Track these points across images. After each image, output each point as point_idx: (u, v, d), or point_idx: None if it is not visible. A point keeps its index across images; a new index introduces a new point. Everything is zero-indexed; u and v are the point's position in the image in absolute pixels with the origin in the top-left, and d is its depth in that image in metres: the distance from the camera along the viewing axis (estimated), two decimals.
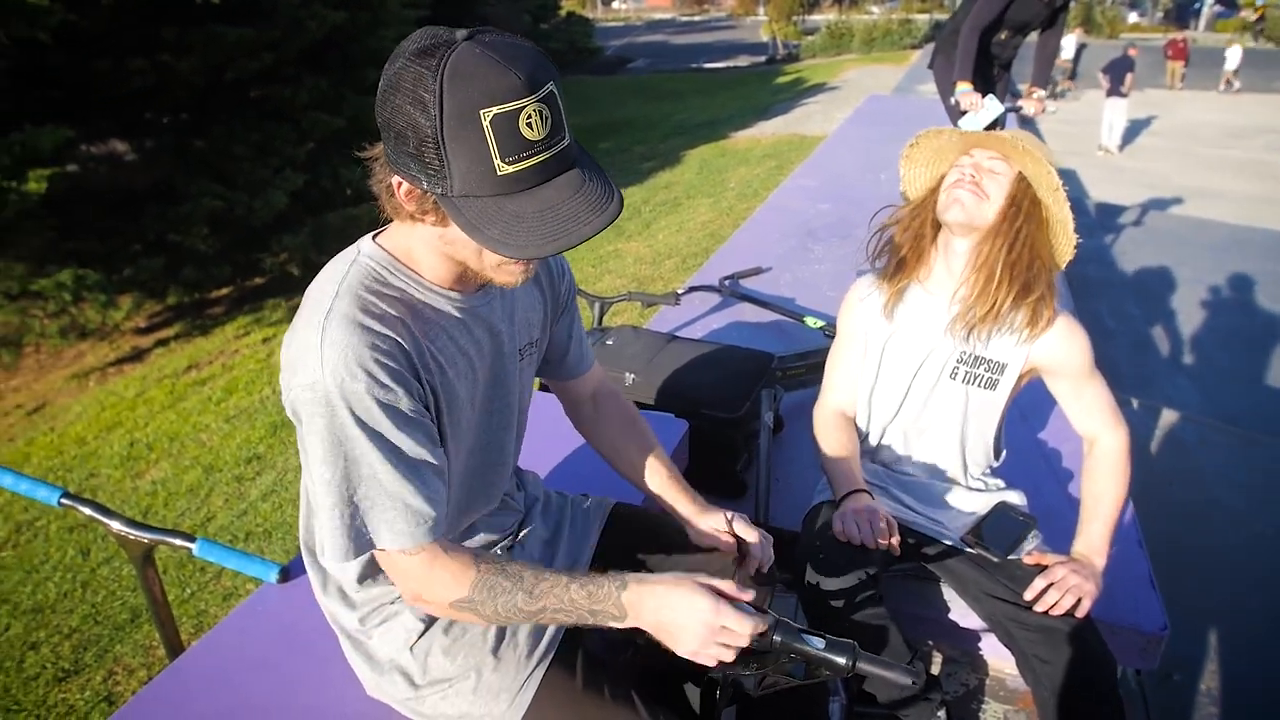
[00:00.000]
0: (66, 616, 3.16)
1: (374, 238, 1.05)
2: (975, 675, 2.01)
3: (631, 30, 39.64)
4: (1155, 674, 2.17)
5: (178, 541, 1.50)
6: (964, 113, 3.84)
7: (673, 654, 1.04)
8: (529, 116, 0.84)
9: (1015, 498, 1.72)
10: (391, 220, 1.00)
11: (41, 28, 5.58)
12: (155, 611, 1.64)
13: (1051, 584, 1.46)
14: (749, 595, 1.01)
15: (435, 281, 1.03)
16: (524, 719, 1.13)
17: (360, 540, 0.97)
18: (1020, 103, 4.10)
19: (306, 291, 1.00)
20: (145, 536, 1.50)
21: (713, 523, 1.33)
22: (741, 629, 0.98)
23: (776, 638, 1.04)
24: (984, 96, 3.78)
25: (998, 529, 1.58)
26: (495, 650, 1.16)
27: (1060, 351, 1.56)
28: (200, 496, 4.06)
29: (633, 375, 2.24)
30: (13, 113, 6.12)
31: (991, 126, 3.99)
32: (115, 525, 1.50)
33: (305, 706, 1.29)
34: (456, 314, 1.05)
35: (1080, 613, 1.44)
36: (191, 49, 6.53)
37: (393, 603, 1.20)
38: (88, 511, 1.50)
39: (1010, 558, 1.54)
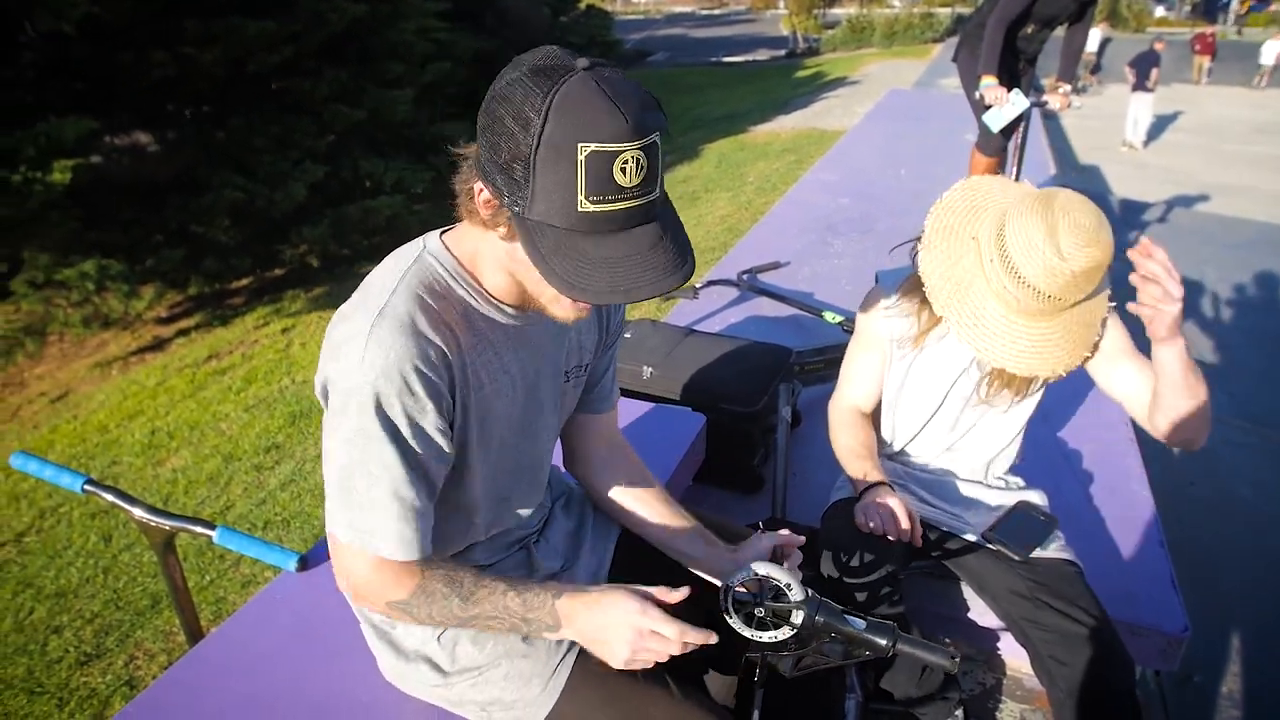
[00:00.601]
0: (89, 601, 3.21)
1: (441, 235, 1.03)
2: (992, 674, 2.00)
3: (651, 24, 39.54)
4: (1175, 676, 2.15)
5: (198, 529, 1.51)
6: (988, 107, 3.80)
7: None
8: (625, 161, 0.82)
9: (1036, 497, 1.70)
10: (462, 220, 0.99)
11: (66, 20, 5.64)
12: (176, 598, 1.65)
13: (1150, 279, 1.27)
14: (679, 595, 1.01)
15: (495, 294, 1.02)
16: (557, 703, 1.14)
17: (357, 530, 0.98)
18: (1045, 97, 4.04)
19: (367, 278, 1.00)
20: (166, 524, 1.51)
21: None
22: (669, 633, 0.99)
23: (819, 618, 1.05)
24: (1009, 91, 3.73)
25: (1018, 528, 1.56)
26: (526, 637, 1.16)
27: (1112, 339, 1.48)
28: (220, 485, 4.10)
29: (650, 369, 2.24)
30: (37, 104, 6.19)
31: (1017, 121, 3.95)
32: (137, 512, 1.51)
33: (323, 692, 1.30)
34: (509, 331, 1.04)
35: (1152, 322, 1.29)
36: (213, 41, 6.58)
37: None
38: (110, 498, 1.51)
39: (1030, 557, 1.52)
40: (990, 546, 1.56)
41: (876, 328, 1.66)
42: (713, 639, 1.00)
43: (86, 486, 1.53)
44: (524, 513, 1.25)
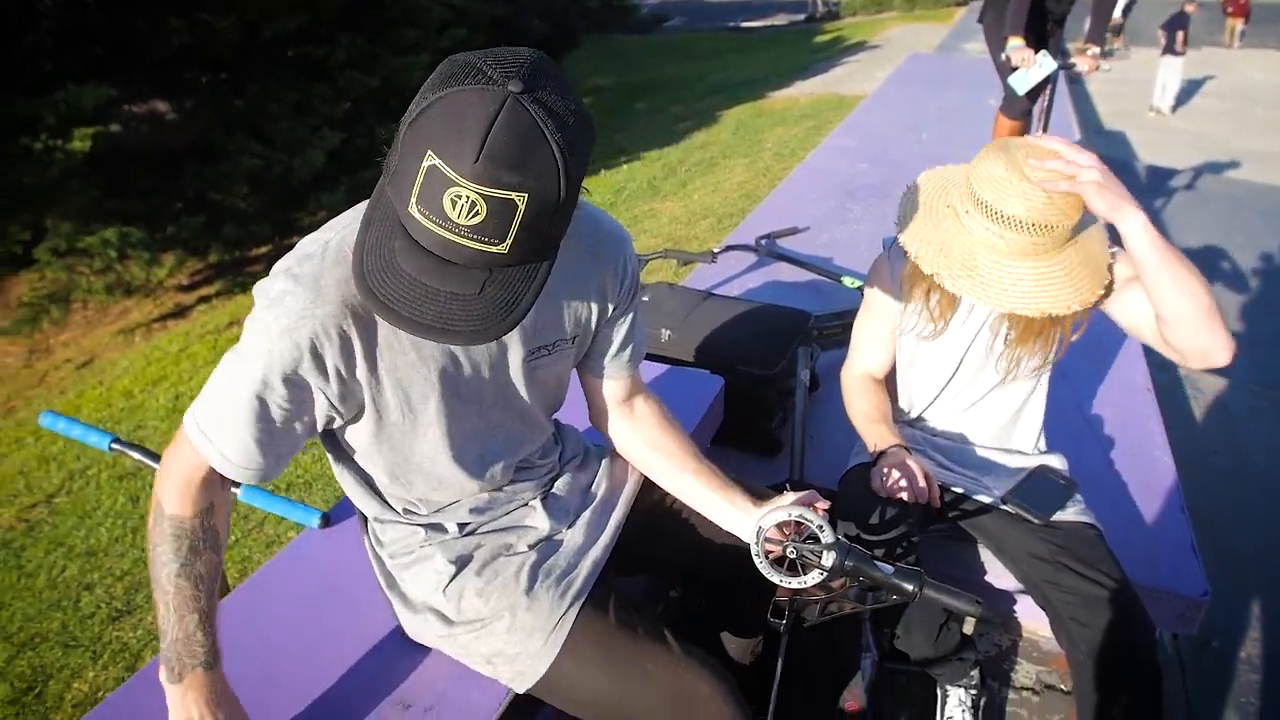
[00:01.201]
0: (118, 560, 3.28)
1: None
2: (1009, 636, 2.01)
3: None
4: (1194, 640, 2.15)
5: None
6: (1014, 69, 3.72)
7: (707, 606, 1.05)
8: (458, 196, 0.76)
9: (1056, 461, 1.69)
10: None
11: None
12: None
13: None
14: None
15: None
16: (558, 657, 1.15)
17: (202, 431, 1.02)
18: (1074, 59, 3.94)
19: (336, 217, 1.02)
20: None
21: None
22: None
23: (849, 562, 1.07)
24: (1036, 53, 3.65)
25: (1038, 491, 1.56)
26: (529, 590, 1.18)
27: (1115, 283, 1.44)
28: None
29: (668, 331, 2.24)
30: (56, 72, 6.21)
31: (1043, 84, 3.86)
32: None
33: (345, 644, 1.32)
34: None
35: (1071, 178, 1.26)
36: (229, 7, 6.57)
37: (421, 546, 1.23)
38: (136, 456, 1.54)
39: (1050, 521, 1.52)
40: (1009, 509, 1.56)
41: (887, 297, 1.64)
42: None
43: (114, 445, 1.56)
44: (510, 469, 1.25)
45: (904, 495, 1.44)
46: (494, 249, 0.80)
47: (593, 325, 1.21)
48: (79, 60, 6.54)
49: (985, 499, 1.60)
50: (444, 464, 1.15)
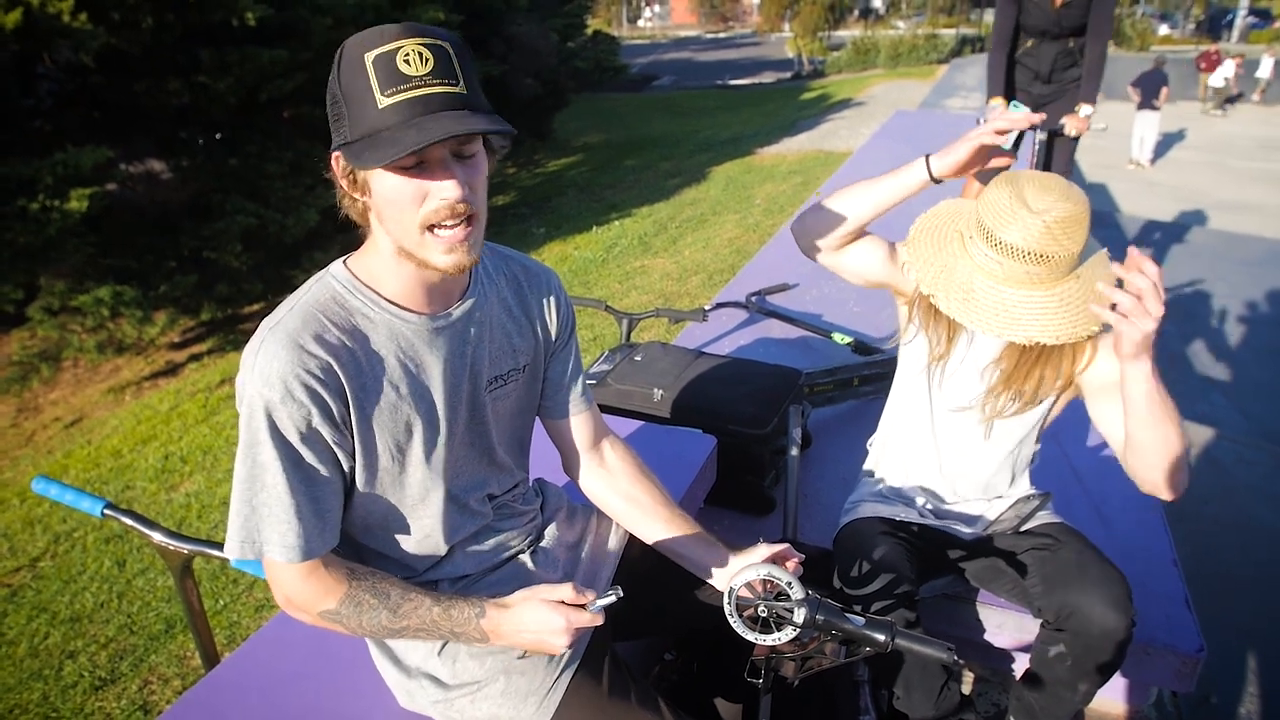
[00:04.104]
0: (103, 626, 3.22)
1: (346, 259, 1.10)
2: (1006, 695, 1.99)
3: (657, 48, 39.93)
4: (1193, 697, 2.13)
5: (215, 552, 1.52)
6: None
7: (699, 669, 1.05)
8: (407, 54, 0.90)
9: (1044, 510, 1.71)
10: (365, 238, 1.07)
11: (85, 51, 5.75)
12: (192, 621, 1.67)
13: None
14: (589, 597, 1.07)
15: (397, 300, 1.07)
16: None
17: (251, 543, 1.02)
18: (1063, 120, 3.96)
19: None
20: (185, 547, 1.53)
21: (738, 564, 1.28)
22: (593, 623, 1.06)
23: (820, 616, 1.08)
24: (1008, 104, 3.71)
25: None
26: (523, 654, 1.18)
27: (1107, 369, 1.45)
28: None
29: (660, 391, 2.25)
30: (55, 133, 6.30)
31: (1018, 144, 3.92)
32: (156, 536, 1.53)
33: (340, 715, 1.30)
34: (413, 335, 1.08)
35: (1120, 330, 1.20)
36: (227, 70, 6.69)
37: None
38: (129, 522, 1.53)
39: (1023, 529, 1.61)
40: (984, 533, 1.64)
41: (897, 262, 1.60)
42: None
43: (106, 511, 1.55)
44: (486, 517, 1.25)
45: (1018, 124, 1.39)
46: (456, 89, 0.92)
47: (541, 355, 1.27)
48: (78, 122, 6.65)
49: (968, 535, 1.64)
50: (434, 502, 1.16)
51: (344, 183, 0.99)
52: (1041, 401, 1.56)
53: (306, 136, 7.74)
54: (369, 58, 0.89)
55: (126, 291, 6.24)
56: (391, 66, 0.89)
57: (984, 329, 1.39)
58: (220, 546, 1.54)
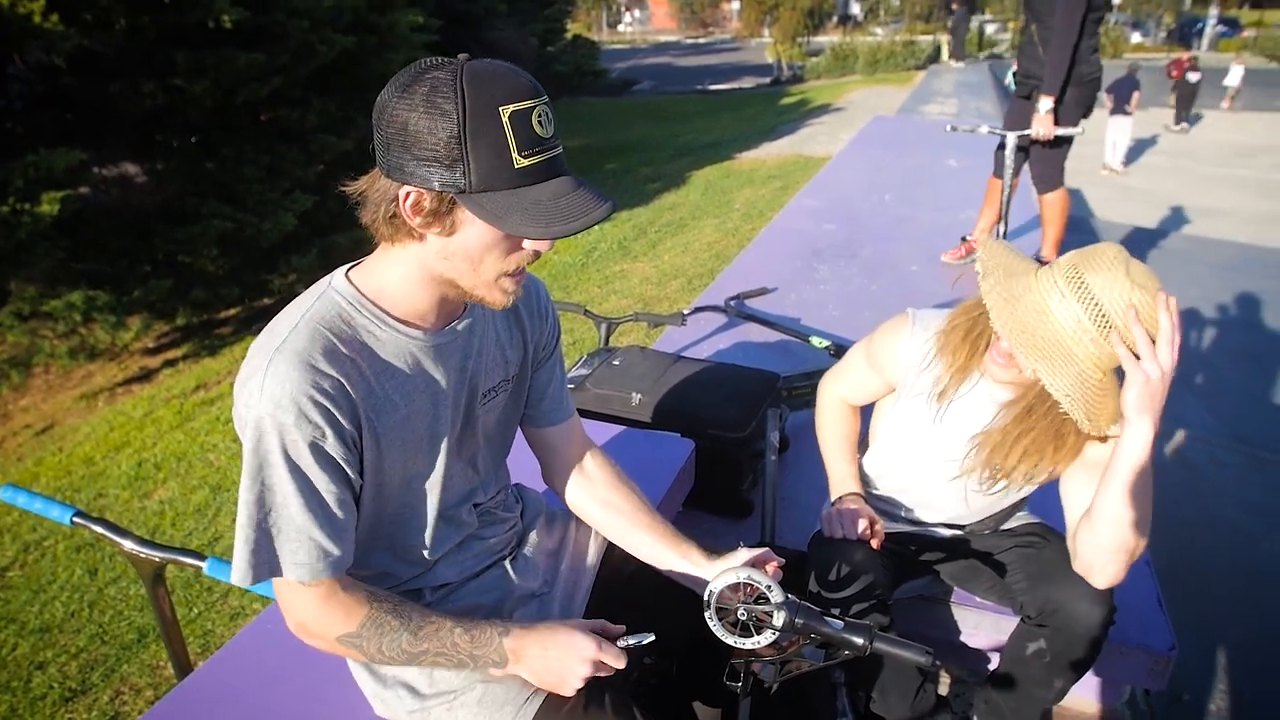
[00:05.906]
0: (74, 636, 3.17)
1: (347, 272, 1.06)
2: None
3: (637, 53, 40.01)
4: (1165, 695, 2.16)
5: (188, 560, 1.50)
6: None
7: (677, 673, 1.05)
8: (539, 115, 0.91)
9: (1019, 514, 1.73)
10: (378, 248, 1.03)
11: (57, 53, 5.67)
12: (165, 630, 1.65)
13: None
14: (620, 629, 1.07)
15: (403, 317, 1.04)
16: None
17: (263, 566, 0.99)
18: (1034, 126, 3.94)
19: (275, 317, 1.02)
20: (157, 555, 1.51)
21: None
22: (617, 663, 1.07)
23: (798, 620, 1.08)
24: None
25: None
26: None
27: (1096, 448, 1.42)
28: (208, 516, 4.07)
29: (639, 395, 2.25)
30: (26, 135, 6.20)
31: (1001, 164, 3.96)
32: (127, 544, 1.51)
33: None
34: (419, 351, 1.06)
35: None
36: (203, 72, 6.62)
37: None
38: (100, 530, 1.51)
39: (1002, 529, 1.64)
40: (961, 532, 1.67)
41: (895, 367, 1.60)
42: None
43: (76, 519, 1.53)
44: (472, 526, 1.25)
45: (847, 536, 1.53)
46: (560, 149, 0.95)
47: (528, 365, 1.26)
48: (50, 124, 6.55)
49: (943, 535, 1.68)
50: (426, 515, 1.16)
51: (415, 218, 0.93)
52: (1017, 488, 1.55)
53: (283, 140, 7.67)
54: (505, 112, 0.88)
55: (99, 296, 6.15)
56: (527, 126, 0.90)
57: (1001, 326, 1.31)
58: (194, 554, 1.53)
